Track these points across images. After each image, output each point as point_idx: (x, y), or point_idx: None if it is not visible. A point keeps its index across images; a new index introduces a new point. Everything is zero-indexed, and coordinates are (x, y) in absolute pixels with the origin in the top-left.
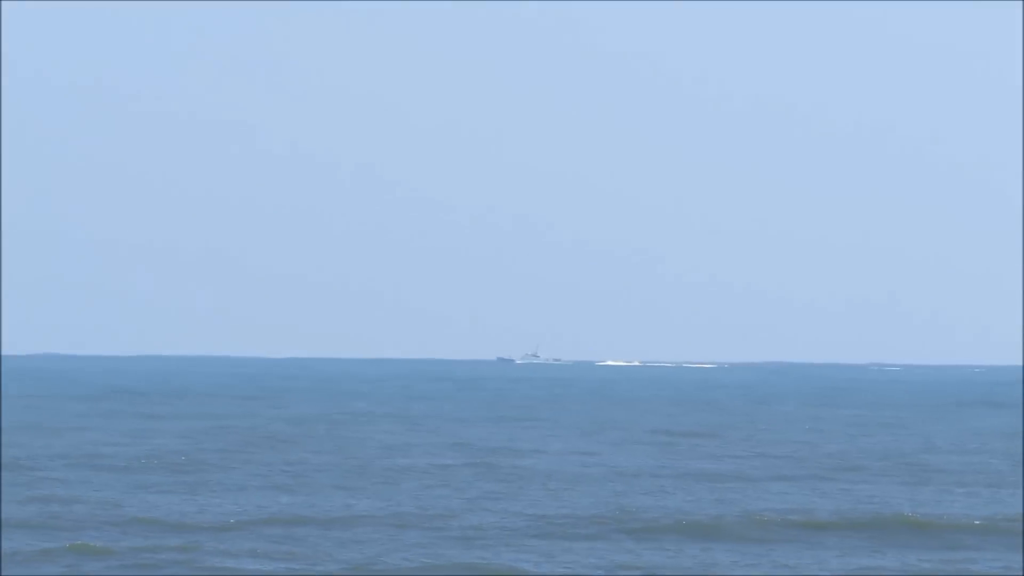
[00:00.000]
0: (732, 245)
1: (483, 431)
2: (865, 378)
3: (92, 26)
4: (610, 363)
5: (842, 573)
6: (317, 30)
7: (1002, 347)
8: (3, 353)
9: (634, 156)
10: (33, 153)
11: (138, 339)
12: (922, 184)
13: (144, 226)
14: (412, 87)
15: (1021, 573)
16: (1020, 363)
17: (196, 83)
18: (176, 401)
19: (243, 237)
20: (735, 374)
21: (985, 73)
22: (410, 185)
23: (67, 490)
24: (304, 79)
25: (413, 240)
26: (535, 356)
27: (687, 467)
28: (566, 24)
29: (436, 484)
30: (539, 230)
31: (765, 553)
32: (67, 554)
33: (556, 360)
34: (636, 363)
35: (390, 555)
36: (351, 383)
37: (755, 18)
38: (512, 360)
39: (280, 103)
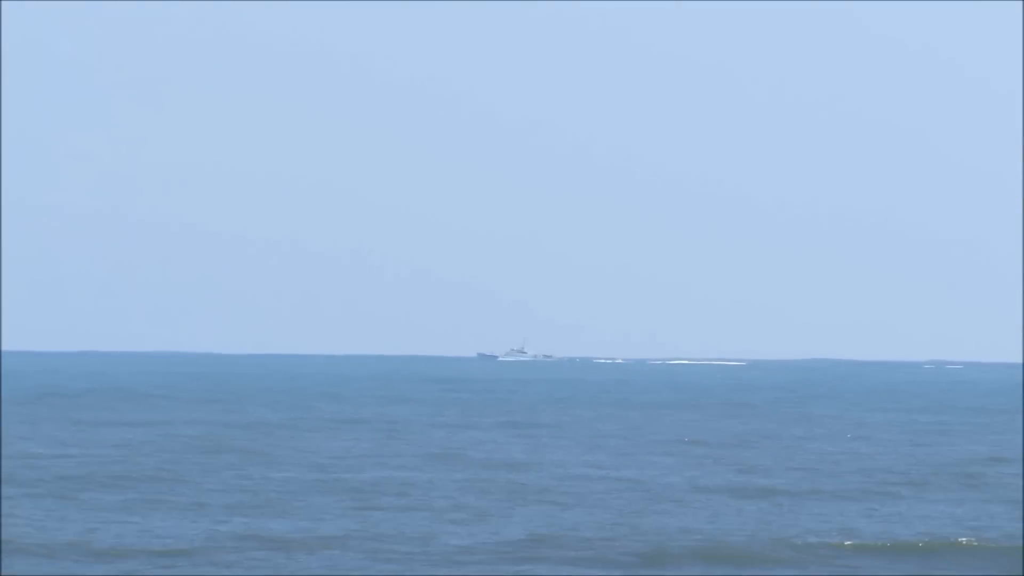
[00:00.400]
0: (759, 224)
1: (471, 439)
2: (920, 378)
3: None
4: (619, 360)
5: None
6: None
7: None
8: None
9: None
10: None
11: (77, 333)
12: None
13: (78, 207)
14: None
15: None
16: None
17: None
18: (116, 404)
19: (193, 219)
20: (767, 372)
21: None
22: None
23: None
24: None
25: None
26: (522, 352)
27: (711, 481)
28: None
29: (417, 501)
30: (521, 209)
31: None
32: None
33: (546, 356)
34: (657, 360)
35: None
36: (317, 383)
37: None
38: (495, 356)
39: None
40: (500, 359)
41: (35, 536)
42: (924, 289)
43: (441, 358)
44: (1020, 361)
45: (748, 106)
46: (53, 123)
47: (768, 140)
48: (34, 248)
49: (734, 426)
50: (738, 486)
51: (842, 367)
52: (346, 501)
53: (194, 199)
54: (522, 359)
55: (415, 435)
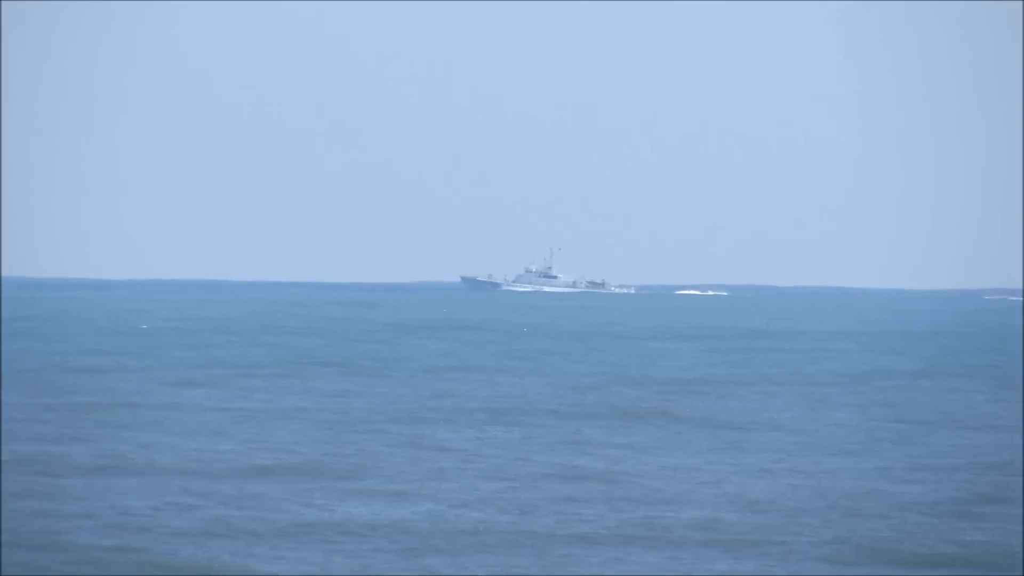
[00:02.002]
0: None
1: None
2: None
3: None
4: (716, 291)
5: None
6: None
7: None
8: None
9: None
10: None
11: None
12: None
13: None
14: None
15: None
16: None
17: None
18: None
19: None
20: None
21: None
22: None
23: None
24: None
25: None
26: (548, 275)
27: None
28: None
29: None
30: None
31: None
32: None
33: (594, 284)
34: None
35: None
36: (221, 328)
37: None
38: (495, 284)
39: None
40: (506, 287)
41: None
42: None
43: (402, 286)
44: None
45: None
46: None
47: None
48: None
49: None
50: None
51: None
52: None
53: None
54: (549, 288)
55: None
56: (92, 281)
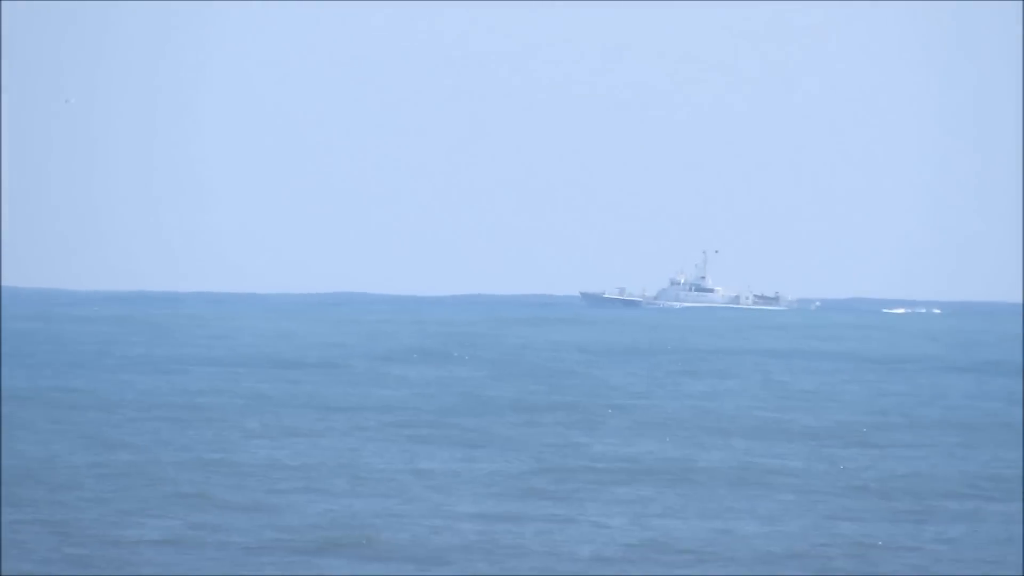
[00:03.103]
0: None
1: None
2: None
3: None
4: (918, 307)
5: None
6: None
7: None
8: None
9: None
10: None
11: None
12: None
13: None
14: None
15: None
16: None
17: None
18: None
19: None
20: None
21: None
22: None
23: None
24: None
25: None
26: (701, 288)
27: None
28: None
29: None
30: None
31: None
32: None
33: (764, 299)
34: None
35: None
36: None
37: None
38: (632, 301)
39: None
40: (647, 305)
41: None
42: None
43: (511, 299)
44: None
45: None
46: None
47: None
48: None
49: None
50: None
51: None
52: None
53: None
54: (705, 304)
55: None
56: (157, 295)
